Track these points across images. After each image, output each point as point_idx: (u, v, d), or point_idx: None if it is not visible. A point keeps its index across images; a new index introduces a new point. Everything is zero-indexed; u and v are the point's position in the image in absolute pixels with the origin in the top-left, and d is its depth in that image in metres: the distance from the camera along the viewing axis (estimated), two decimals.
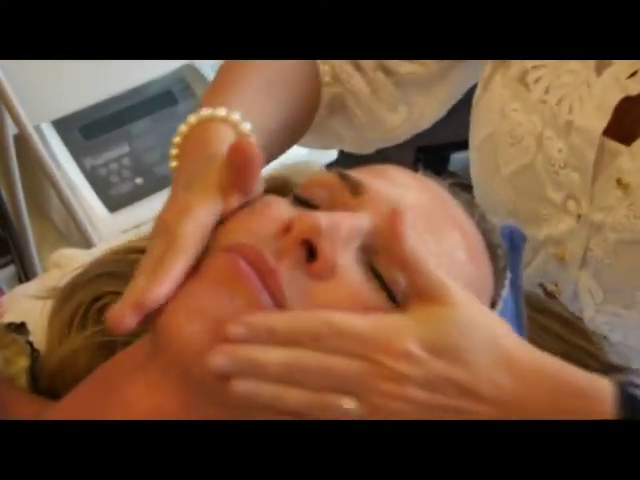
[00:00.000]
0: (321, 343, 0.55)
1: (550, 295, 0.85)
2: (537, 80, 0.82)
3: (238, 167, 0.61)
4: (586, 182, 0.79)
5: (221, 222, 0.62)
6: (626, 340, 0.80)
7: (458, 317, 0.56)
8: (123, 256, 0.74)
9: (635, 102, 0.76)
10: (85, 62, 1.28)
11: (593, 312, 0.81)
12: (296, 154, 0.88)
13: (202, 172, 0.63)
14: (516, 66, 0.84)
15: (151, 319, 0.58)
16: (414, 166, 0.70)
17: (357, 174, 0.65)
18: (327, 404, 0.55)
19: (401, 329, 0.56)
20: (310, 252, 0.59)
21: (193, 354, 0.56)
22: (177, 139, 0.71)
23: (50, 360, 0.70)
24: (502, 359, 0.56)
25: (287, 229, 0.59)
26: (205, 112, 0.70)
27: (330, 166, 1.49)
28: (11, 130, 1.35)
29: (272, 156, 0.78)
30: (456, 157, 1.74)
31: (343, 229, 0.59)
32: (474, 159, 0.90)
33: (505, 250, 0.68)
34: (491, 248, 0.67)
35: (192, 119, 0.70)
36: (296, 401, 0.55)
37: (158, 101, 1.56)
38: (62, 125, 1.50)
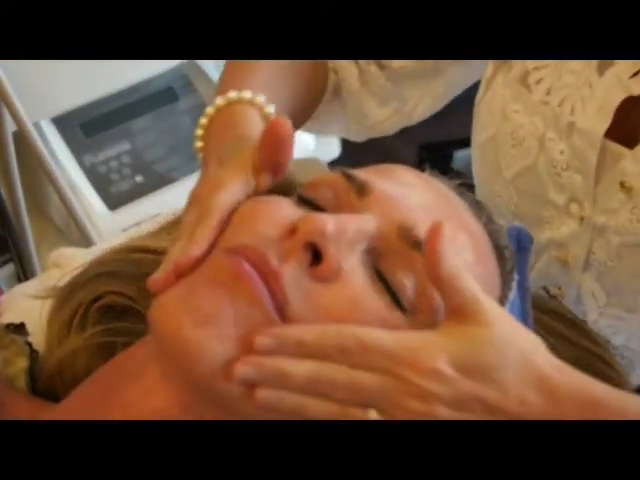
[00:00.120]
0: (348, 357, 0.54)
1: (553, 298, 0.84)
2: (538, 81, 0.81)
3: (272, 147, 0.62)
4: (589, 184, 0.78)
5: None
6: (629, 343, 0.80)
7: (492, 336, 0.56)
8: (123, 255, 0.73)
9: (638, 102, 0.76)
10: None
11: (596, 315, 0.80)
12: (299, 150, 0.88)
13: (233, 151, 0.65)
14: (518, 67, 0.83)
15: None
16: (418, 165, 0.69)
17: (362, 174, 0.64)
18: (350, 416, 0.54)
19: (431, 346, 0.55)
20: (315, 254, 0.58)
21: (192, 354, 0.55)
22: (203, 120, 0.73)
23: (49, 361, 0.70)
24: (533, 376, 0.56)
25: (292, 231, 0.59)
26: (232, 95, 0.72)
27: (333, 164, 1.49)
28: (10, 127, 1.34)
29: None
30: (459, 154, 1.74)
31: (349, 232, 0.59)
32: (476, 160, 0.90)
33: (512, 251, 0.68)
34: (498, 249, 0.67)
35: (219, 101, 0.72)
36: (319, 412, 0.54)
37: (159, 98, 1.56)
38: (62, 122, 1.50)
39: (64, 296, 0.71)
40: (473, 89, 0.92)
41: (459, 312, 0.56)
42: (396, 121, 0.94)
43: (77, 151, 1.50)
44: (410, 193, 0.63)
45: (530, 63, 0.82)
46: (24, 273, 1.43)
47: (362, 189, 0.62)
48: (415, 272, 0.59)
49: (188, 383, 0.57)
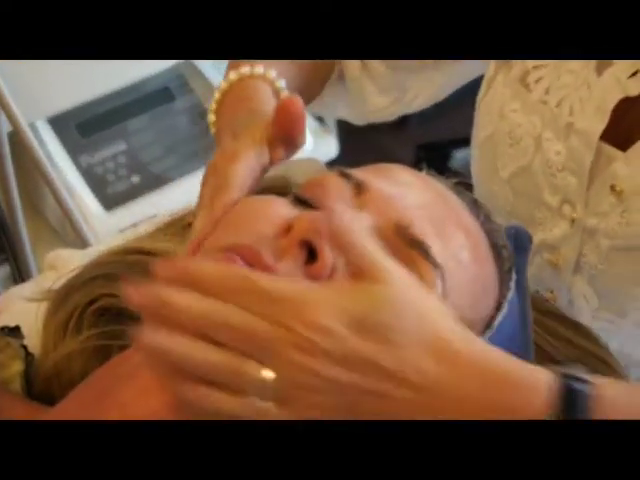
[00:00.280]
0: (242, 299, 0.51)
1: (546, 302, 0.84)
2: (538, 80, 0.81)
3: (285, 123, 0.63)
4: (582, 186, 0.78)
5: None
6: (622, 349, 0.79)
7: (390, 295, 0.52)
8: (119, 257, 0.73)
9: (634, 103, 0.75)
10: None
11: (589, 319, 0.80)
12: (298, 152, 0.87)
13: (247, 124, 0.66)
14: (518, 66, 0.83)
15: None
16: (416, 164, 0.69)
17: (359, 173, 0.64)
18: (242, 370, 0.51)
19: (324, 299, 0.52)
20: (310, 253, 0.58)
21: None
22: (217, 95, 0.75)
23: (45, 364, 0.70)
24: (432, 343, 0.52)
25: (287, 229, 0.58)
26: (244, 70, 0.74)
27: (331, 164, 1.49)
28: (5, 128, 1.34)
29: None
30: (457, 154, 1.74)
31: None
32: (474, 159, 0.90)
33: (510, 251, 0.67)
34: (496, 249, 0.66)
35: (232, 76, 0.74)
36: (209, 362, 0.51)
37: (155, 98, 1.55)
38: (58, 122, 1.50)
39: (60, 299, 0.71)
40: (472, 89, 0.92)
41: (359, 271, 0.54)
42: (396, 109, 0.94)
43: (73, 151, 1.50)
44: (407, 192, 0.63)
45: (530, 62, 0.82)
46: (20, 274, 1.42)
47: (358, 188, 0.62)
48: (412, 270, 0.59)
49: None
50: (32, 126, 1.40)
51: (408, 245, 0.60)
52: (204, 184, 0.65)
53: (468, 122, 0.91)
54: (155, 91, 1.55)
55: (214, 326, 0.51)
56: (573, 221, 0.79)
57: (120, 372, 0.62)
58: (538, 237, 0.82)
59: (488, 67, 0.88)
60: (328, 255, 0.57)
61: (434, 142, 1.77)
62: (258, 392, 0.51)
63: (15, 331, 0.71)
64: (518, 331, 0.66)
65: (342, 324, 0.51)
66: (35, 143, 1.34)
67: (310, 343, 0.51)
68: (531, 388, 0.53)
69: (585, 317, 0.80)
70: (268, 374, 0.51)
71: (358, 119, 0.98)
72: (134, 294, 0.52)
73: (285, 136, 0.64)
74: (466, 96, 0.93)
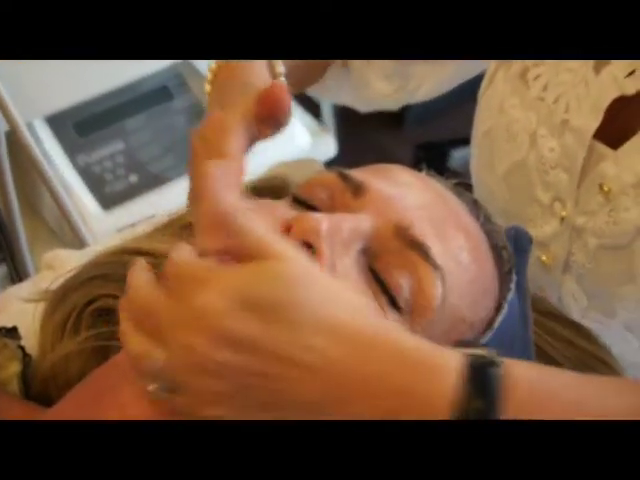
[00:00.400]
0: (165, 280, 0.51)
1: None
2: (536, 77, 0.81)
3: (270, 105, 0.61)
4: (573, 184, 0.78)
5: None
6: (612, 350, 0.79)
7: (281, 272, 0.49)
8: (117, 258, 0.72)
9: (630, 102, 0.75)
10: None
11: (579, 319, 0.80)
12: (297, 151, 0.87)
13: (237, 98, 0.63)
14: (518, 63, 0.83)
15: None
16: (415, 164, 0.68)
17: (358, 174, 0.64)
18: (141, 355, 0.51)
19: (215, 279, 0.49)
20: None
21: None
22: (213, 65, 0.72)
23: (42, 365, 0.69)
24: (328, 322, 0.49)
25: (286, 230, 0.58)
26: None
27: (329, 164, 1.49)
28: (2, 127, 1.33)
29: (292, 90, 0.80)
30: (456, 154, 1.74)
31: (344, 231, 0.59)
32: (473, 155, 0.90)
33: (510, 252, 0.67)
34: (496, 250, 0.66)
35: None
36: (129, 350, 0.52)
37: (153, 97, 1.55)
38: (55, 121, 1.49)
39: (57, 299, 0.71)
40: (471, 88, 0.92)
41: (250, 252, 0.50)
42: (399, 97, 0.92)
43: (70, 151, 1.49)
44: (407, 193, 0.63)
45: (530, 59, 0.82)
46: (17, 273, 1.42)
47: (358, 189, 0.62)
48: (411, 272, 0.59)
49: None
50: (29, 125, 1.40)
51: (408, 246, 0.59)
52: (193, 154, 0.59)
53: (467, 122, 0.91)
54: (153, 90, 1.55)
55: (134, 311, 0.52)
56: (563, 219, 0.79)
57: (119, 371, 0.61)
58: (530, 234, 0.82)
59: (490, 62, 0.88)
60: (327, 256, 0.57)
61: (433, 142, 1.77)
62: (156, 378, 0.50)
63: (12, 332, 0.70)
64: (518, 332, 0.66)
65: (231, 303, 0.48)
66: (32, 142, 1.34)
67: (197, 323, 0.48)
68: (438, 370, 0.50)
69: (575, 317, 0.80)
70: (159, 356, 0.50)
71: (362, 105, 0.97)
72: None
73: (269, 117, 0.61)
74: (465, 96, 0.93)
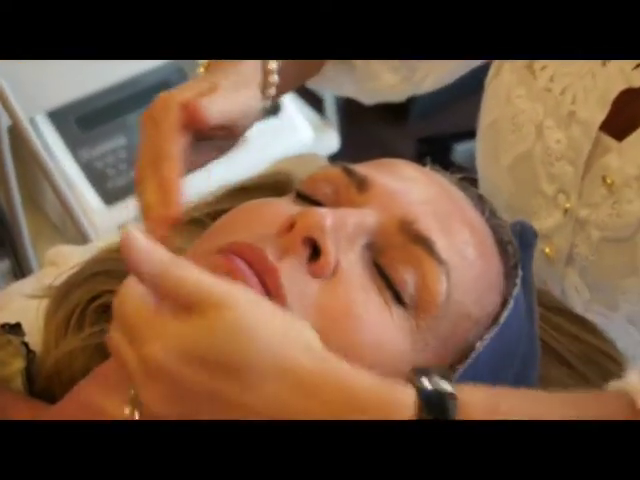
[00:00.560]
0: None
1: None
2: (543, 68, 0.80)
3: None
4: (577, 176, 0.78)
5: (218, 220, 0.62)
6: (616, 343, 0.79)
7: (225, 321, 0.48)
8: (120, 254, 0.72)
9: (637, 94, 0.75)
10: None
11: (582, 311, 0.79)
12: (299, 145, 0.87)
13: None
14: None
15: None
16: (417, 158, 0.68)
17: (363, 168, 0.63)
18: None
19: (159, 332, 0.49)
20: (314, 250, 0.57)
21: None
22: (202, 65, 0.74)
23: (46, 362, 0.69)
24: (276, 367, 0.48)
25: (290, 226, 0.58)
26: None
27: (333, 158, 1.48)
28: (5, 122, 1.33)
29: (287, 86, 0.79)
30: (459, 148, 1.73)
31: (348, 226, 0.58)
32: (478, 147, 0.89)
33: (516, 247, 0.67)
34: (501, 245, 0.66)
35: None
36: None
37: (155, 92, 1.53)
38: (58, 116, 1.49)
39: (61, 296, 0.71)
40: (474, 82, 0.92)
41: (191, 304, 0.49)
42: (406, 88, 0.91)
43: (73, 146, 1.49)
44: (411, 188, 0.63)
45: None
46: (20, 269, 1.42)
47: (362, 184, 0.62)
48: (416, 267, 0.58)
49: None
50: (32, 120, 1.40)
51: (412, 241, 0.59)
52: (142, 134, 0.62)
53: (470, 115, 0.91)
54: (155, 85, 1.54)
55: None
56: (566, 211, 0.79)
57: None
58: (534, 226, 0.82)
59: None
60: (331, 252, 0.57)
61: (435, 135, 1.76)
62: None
63: (16, 328, 0.70)
64: (524, 327, 0.66)
65: (176, 357, 0.48)
66: (35, 137, 1.33)
67: (146, 368, 0.49)
68: (388, 409, 0.49)
69: (578, 310, 0.80)
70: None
71: (366, 97, 0.96)
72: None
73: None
74: (468, 89, 0.93)
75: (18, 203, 1.40)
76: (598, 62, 0.77)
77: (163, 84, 1.55)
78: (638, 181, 0.73)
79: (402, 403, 0.49)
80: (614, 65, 0.76)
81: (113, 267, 0.71)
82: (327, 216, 0.57)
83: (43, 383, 0.69)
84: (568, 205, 0.79)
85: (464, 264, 0.61)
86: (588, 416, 0.51)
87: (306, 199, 0.63)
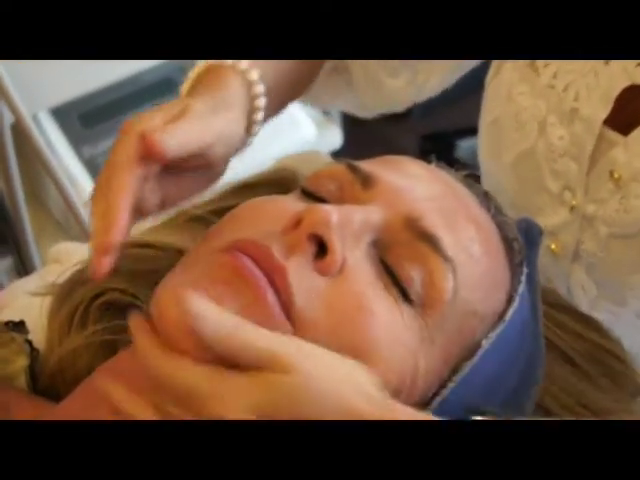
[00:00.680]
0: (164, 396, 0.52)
1: None
2: (546, 65, 0.80)
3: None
4: (582, 172, 0.77)
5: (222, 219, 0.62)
6: (622, 340, 0.78)
7: (296, 384, 0.50)
8: (124, 251, 0.72)
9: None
10: None
11: (588, 309, 0.79)
12: (302, 142, 0.87)
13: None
14: None
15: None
16: (421, 155, 0.68)
17: (367, 165, 0.63)
18: None
19: (235, 395, 0.50)
20: (320, 247, 0.57)
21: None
22: (185, 86, 0.71)
23: (50, 359, 0.69)
24: (340, 415, 0.50)
25: (296, 223, 0.57)
26: (213, 62, 0.70)
27: (335, 155, 1.48)
28: (8, 119, 1.33)
29: (275, 109, 0.77)
30: (463, 145, 1.73)
31: (354, 223, 0.58)
32: (481, 144, 0.89)
33: (521, 244, 0.66)
34: (507, 242, 0.66)
35: (201, 66, 0.70)
36: None
37: (158, 88, 1.54)
38: (60, 113, 1.49)
39: (64, 293, 0.70)
40: (476, 79, 0.91)
41: (258, 366, 0.51)
42: (411, 91, 0.90)
43: (75, 142, 1.49)
44: (416, 185, 0.62)
45: None
46: (23, 266, 1.42)
47: (367, 181, 0.62)
48: (422, 264, 0.58)
49: None
50: (34, 117, 1.40)
51: (418, 238, 0.59)
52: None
53: (473, 112, 0.90)
54: (158, 82, 1.54)
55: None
56: (572, 208, 0.79)
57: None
58: (539, 224, 0.82)
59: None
60: (338, 249, 0.56)
61: (438, 132, 1.76)
62: None
63: (20, 326, 0.70)
64: (529, 325, 0.66)
65: (254, 417, 0.50)
66: (37, 134, 1.33)
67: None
68: None
69: (584, 308, 0.80)
70: None
71: (366, 110, 0.95)
72: None
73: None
74: (470, 86, 0.92)
75: (21, 200, 1.40)
76: (601, 60, 0.77)
77: (165, 81, 1.55)
78: None
79: None
80: (617, 63, 0.75)
81: (117, 264, 0.71)
82: (333, 212, 0.57)
83: (46, 381, 0.68)
84: (574, 202, 0.78)
85: (470, 261, 0.60)
86: None
87: (311, 196, 0.63)
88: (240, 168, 0.76)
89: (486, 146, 0.88)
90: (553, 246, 0.81)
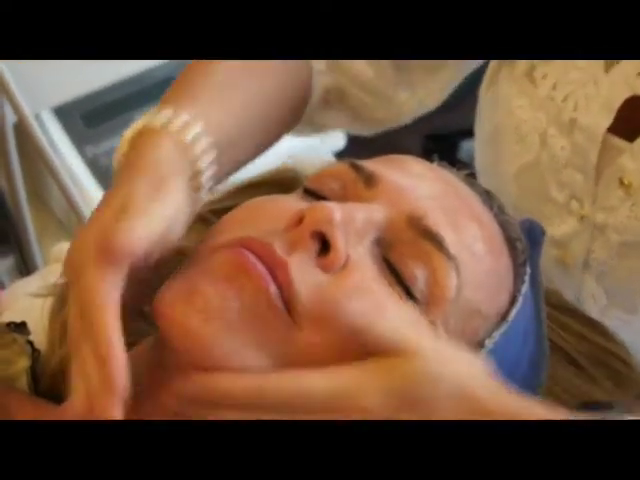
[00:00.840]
0: (287, 408, 0.53)
1: None
2: (544, 76, 0.80)
3: None
4: (589, 182, 0.77)
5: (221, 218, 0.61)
6: (632, 346, 0.78)
7: (421, 369, 0.53)
8: None
9: None
10: None
11: (599, 317, 0.79)
12: (305, 142, 0.86)
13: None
14: (523, 61, 0.82)
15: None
16: (423, 155, 0.68)
17: (370, 164, 0.63)
18: None
19: (363, 385, 0.53)
20: (323, 244, 0.57)
21: (201, 348, 0.55)
22: (119, 155, 0.63)
23: (51, 360, 0.69)
24: (471, 406, 0.53)
25: (298, 221, 0.58)
26: (143, 121, 0.63)
27: (338, 155, 1.48)
28: (10, 119, 1.33)
29: (246, 155, 0.72)
30: (465, 145, 1.73)
31: (357, 220, 0.58)
32: (478, 154, 0.88)
33: (524, 244, 0.66)
34: (510, 241, 0.66)
35: (129, 133, 0.63)
36: None
37: (162, 88, 1.52)
38: (63, 112, 1.48)
39: (65, 294, 0.70)
40: (479, 79, 0.91)
41: (383, 352, 0.54)
42: (414, 105, 0.88)
43: (78, 142, 1.48)
44: (419, 184, 0.62)
45: None
46: (25, 265, 1.42)
47: (370, 180, 0.62)
48: (426, 262, 0.58)
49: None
50: (37, 116, 1.39)
51: (422, 236, 0.59)
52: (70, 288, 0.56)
53: (475, 113, 0.90)
54: (162, 81, 1.54)
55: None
56: (582, 218, 0.78)
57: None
58: (546, 233, 0.81)
59: (490, 62, 0.86)
60: (342, 246, 0.56)
61: (441, 133, 1.76)
62: None
63: (21, 327, 0.70)
64: (532, 325, 0.65)
65: (383, 404, 0.52)
66: (40, 133, 1.33)
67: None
68: None
69: (594, 316, 0.79)
70: None
71: (363, 131, 0.91)
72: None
73: None
74: (473, 87, 0.92)
75: (23, 199, 1.40)
76: (601, 69, 0.76)
77: (169, 80, 1.55)
78: None
79: None
80: (617, 72, 0.75)
81: None
82: (336, 210, 0.57)
83: (48, 382, 0.68)
84: (583, 212, 0.78)
85: (473, 260, 0.60)
86: None
87: (313, 195, 0.63)
88: (242, 169, 0.76)
89: (485, 158, 0.88)
90: (562, 256, 0.81)
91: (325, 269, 0.56)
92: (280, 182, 0.74)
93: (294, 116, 0.79)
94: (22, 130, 1.33)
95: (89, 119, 1.51)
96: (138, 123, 0.63)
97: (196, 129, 0.62)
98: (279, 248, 0.56)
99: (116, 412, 0.51)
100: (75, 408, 0.52)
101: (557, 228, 0.81)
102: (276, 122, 0.76)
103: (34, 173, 1.48)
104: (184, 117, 0.63)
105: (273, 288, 0.55)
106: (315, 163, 0.72)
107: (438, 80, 0.88)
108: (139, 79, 1.52)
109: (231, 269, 0.56)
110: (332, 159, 0.95)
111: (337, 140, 1.62)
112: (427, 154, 0.69)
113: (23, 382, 0.67)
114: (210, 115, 0.65)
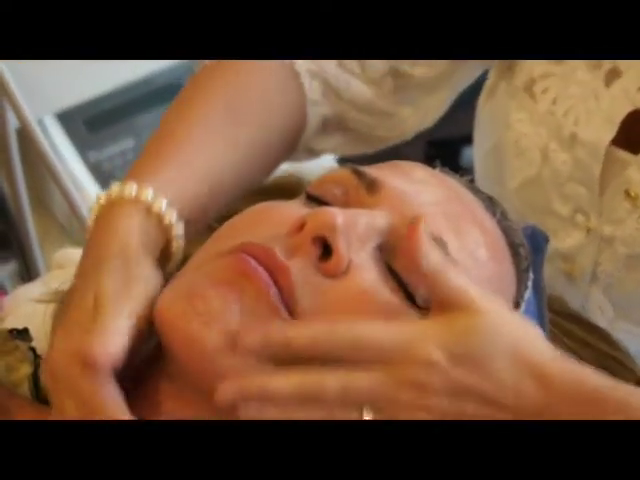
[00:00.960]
0: (341, 358, 0.53)
1: None
2: (544, 90, 0.80)
3: None
4: (593, 195, 0.77)
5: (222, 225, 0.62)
6: None
7: (482, 325, 0.53)
8: None
9: None
10: None
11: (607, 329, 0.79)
12: None
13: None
14: (522, 74, 0.82)
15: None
16: (426, 161, 0.68)
17: (372, 170, 0.63)
18: (342, 418, 0.53)
19: (424, 337, 0.53)
20: (325, 249, 0.57)
21: (199, 353, 0.55)
22: (90, 222, 0.65)
23: None
24: (527, 367, 0.53)
25: (300, 226, 0.58)
26: (114, 190, 0.64)
27: (341, 161, 1.47)
28: (13, 124, 1.33)
29: (234, 199, 0.72)
30: (467, 152, 1.72)
31: (359, 226, 0.58)
32: (478, 167, 0.88)
33: (528, 250, 0.66)
34: (513, 247, 0.66)
35: (101, 200, 0.64)
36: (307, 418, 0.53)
37: (164, 93, 1.53)
38: (66, 118, 1.49)
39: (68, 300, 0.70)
40: (481, 86, 0.91)
41: (447, 304, 0.54)
42: (415, 122, 0.87)
43: (81, 147, 1.49)
44: (422, 190, 0.62)
45: (536, 71, 0.80)
46: (27, 271, 1.42)
47: (372, 186, 0.62)
48: None
49: (195, 382, 0.57)
50: (40, 122, 1.39)
51: None
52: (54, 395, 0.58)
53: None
54: (164, 86, 1.54)
55: (314, 394, 0.52)
56: (588, 231, 0.78)
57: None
58: (551, 245, 0.81)
59: (489, 74, 0.86)
60: (344, 250, 0.56)
61: (443, 139, 1.75)
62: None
63: (23, 333, 0.69)
64: None
65: (444, 358, 0.52)
66: (43, 139, 1.33)
67: (418, 382, 0.52)
68: (622, 410, 0.54)
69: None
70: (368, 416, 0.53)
71: (372, 147, 0.90)
72: (225, 390, 0.52)
73: None
74: (475, 94, 0.92)
75: (26, 204, 1.40)
76: (601, 83, 0.77)
77: (172, 86, 1.55)
78: None
79: (631, 401, 0.54)
80: (618, 86, 0.75)
81: None
82: (338, 215, 0.57)
83: None
84: (590, 225, 0.78)
85: (476, 265, 0.60)
86: None
87: (315, 201, 0.63)
88: None
89: (486, 172, 0.88)
90: (569, 269, 0.81)
91: (327, 273, 0.56)
92: (282, 188, 0.74)
93: (287, 149, 0.79)
94: (25, 135, 1.33)
95: (92, 124, 1.51)
96: (105, 196, 0.65)
97: (164, 201, 0.64)
98: (280, 253, 0.56)
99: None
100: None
101: (562, 241, 0.81)
102: (265, 160, 0.76)
103: (37, 178, 1.48)
104: (150, 191, 0.64)
105: (274, 291, 0.55)
106: (317, 169, 0.72)
107: (436, 99, 0.88)
108: (141, 85, 1.52)
109: (232, 274, 0.56)
110: (334, 165, 0.95)
111: None
112: (429, 160, 0.69)
113: (25, 389, 0.67)
114: (176, 185, 0.66)
